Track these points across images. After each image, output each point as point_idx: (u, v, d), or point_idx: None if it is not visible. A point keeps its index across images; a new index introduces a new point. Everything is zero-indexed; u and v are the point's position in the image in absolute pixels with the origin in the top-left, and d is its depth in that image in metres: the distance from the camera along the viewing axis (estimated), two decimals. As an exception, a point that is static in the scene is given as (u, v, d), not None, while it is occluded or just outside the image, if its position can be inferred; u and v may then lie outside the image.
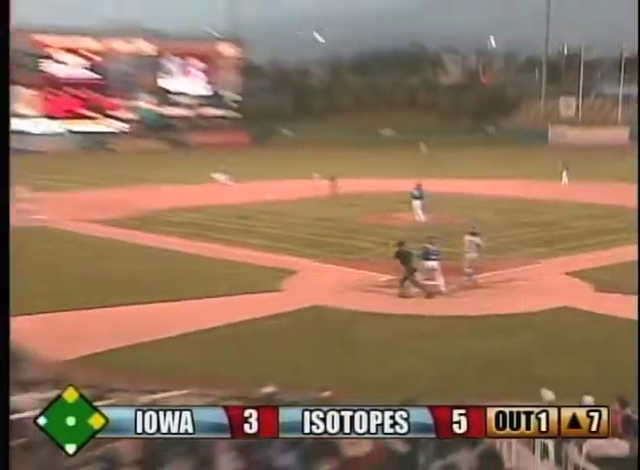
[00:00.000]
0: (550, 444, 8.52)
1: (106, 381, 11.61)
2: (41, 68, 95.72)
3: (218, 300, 21.04)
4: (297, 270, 24.59)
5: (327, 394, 10.81)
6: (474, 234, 23.28)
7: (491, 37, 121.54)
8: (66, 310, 19.84)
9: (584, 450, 8.13)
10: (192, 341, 17.43)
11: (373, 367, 15.82)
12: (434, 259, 21.75)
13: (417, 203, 33.24)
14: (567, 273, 23.77)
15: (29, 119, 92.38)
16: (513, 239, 27.91)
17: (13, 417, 7.75)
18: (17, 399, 9.06)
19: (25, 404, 8.89)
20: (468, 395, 12.25)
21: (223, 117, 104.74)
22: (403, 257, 21.54)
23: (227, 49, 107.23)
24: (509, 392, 12.91)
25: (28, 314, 18.71)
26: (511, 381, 14.55)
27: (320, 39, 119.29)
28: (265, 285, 22.63)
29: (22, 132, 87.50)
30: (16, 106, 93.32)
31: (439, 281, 21.71)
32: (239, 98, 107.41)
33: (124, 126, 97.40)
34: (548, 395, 10.38)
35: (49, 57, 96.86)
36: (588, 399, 10.76)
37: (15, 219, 26.41)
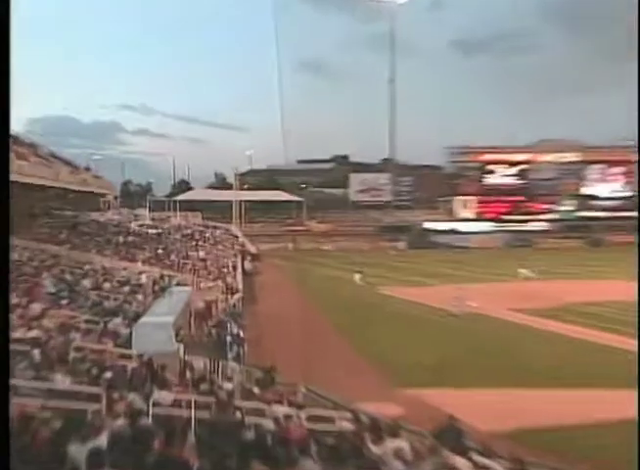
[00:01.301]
0: None
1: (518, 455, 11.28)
2: (480, 179, 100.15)
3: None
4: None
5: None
6: None
7: None
8: (494, 388, 20.12)
9: None
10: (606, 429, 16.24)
11: None
12: None
13: None
14: None
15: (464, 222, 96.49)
16: None
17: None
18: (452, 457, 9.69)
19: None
20: None
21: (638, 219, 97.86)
22: None
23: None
24: None
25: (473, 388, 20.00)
26: None
27: None
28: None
29: (454, 231, 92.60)
30: (459, 210, 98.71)
31: None
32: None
33: (546, 226, 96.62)
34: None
35: (489, 171, 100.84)
36: None
37: (452, 306, 28.17)
